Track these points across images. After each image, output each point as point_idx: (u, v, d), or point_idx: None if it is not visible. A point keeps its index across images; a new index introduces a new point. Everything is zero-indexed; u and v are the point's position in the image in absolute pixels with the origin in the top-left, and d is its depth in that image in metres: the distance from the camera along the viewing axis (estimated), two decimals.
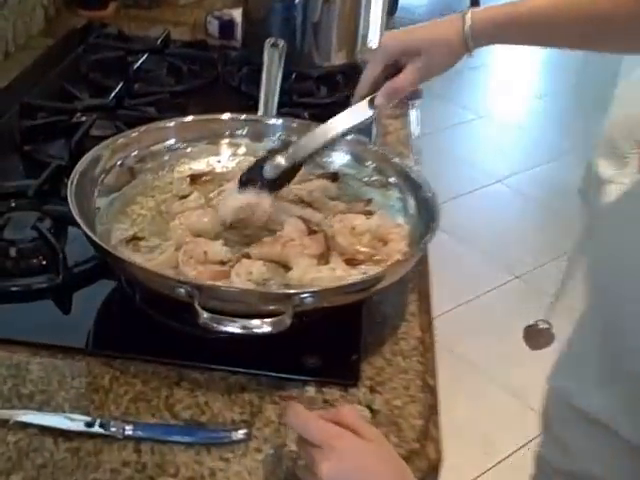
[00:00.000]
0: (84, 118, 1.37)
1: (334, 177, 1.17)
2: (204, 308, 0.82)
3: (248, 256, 0.97)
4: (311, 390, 0.90)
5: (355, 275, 0.98)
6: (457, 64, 1.07)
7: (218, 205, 1.05)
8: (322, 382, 0.91)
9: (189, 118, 1.21)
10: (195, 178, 1.16)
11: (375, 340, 0.98)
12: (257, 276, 0.94)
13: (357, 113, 1.07)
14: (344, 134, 1.07)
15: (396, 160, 1.14)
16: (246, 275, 0.93)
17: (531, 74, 5.33)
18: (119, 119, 1.36)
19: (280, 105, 1.27)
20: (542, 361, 2.76)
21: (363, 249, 1.02)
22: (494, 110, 4.65)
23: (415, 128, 1.55)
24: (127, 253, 0.95)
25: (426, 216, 1.01)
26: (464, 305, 2.98)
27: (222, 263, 0.97)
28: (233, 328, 0.81)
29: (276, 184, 1.06)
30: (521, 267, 3.22)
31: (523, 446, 2.39)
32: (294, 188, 1.14)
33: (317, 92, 1.63)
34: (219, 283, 0.90)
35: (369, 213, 1.08)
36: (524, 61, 5.22)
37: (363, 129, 1.16)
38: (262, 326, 0.81)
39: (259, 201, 1.03)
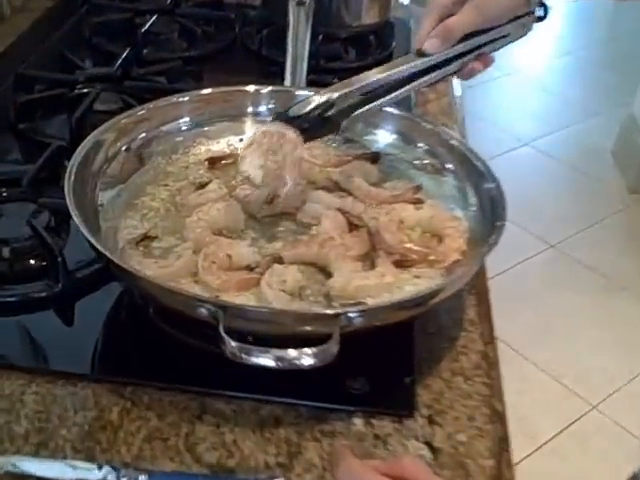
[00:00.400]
0: (87, 90, 1.20)
1: (375, 158, 1.01)
2: (230, 329, 0.67)
3: (280, 260, 0.82)
4: (358, 423, 0.75)
5: (407, 279, 0.83)
6: None
7: (240, 160, 0.89)
8: (371, 412, 0.76)
9: (206, 91, 1.05)
10: (214, 161, 1.00)
11: (430, 356, 0.83)
12: (292, 285, 0.79)
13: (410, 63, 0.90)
14: (391, 86, 0.90)
15: (454, 142, 0.97)
16: (279, 284, 0.78)
17: (559, 28, 5.09)
18: (126, 91, 1.20)
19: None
20: (578, 339, 2.62)
21: (414, 247, 0.86)
22: (520, 67, 4.44)
23: (456, 88, 1.38)
24: (136, 258, 0.80)
25: (490, 211, 0.85)
26: (497, 277, 2.82)
27: (249, 268, 0.81)
28: (267, 360, 0.65)
29: (305, 131, 0.88)
30: (555, 235, 3.05)
31: (564, 429, 2.26)
32: (329, 171, 0.98)
33: (346, 55, 1.46)
34: (248, 302, 0.75)
35: (418, 202, 0.92)
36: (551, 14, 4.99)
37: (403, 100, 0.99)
38: (303, 357, 0.65)
39: (288, 136, 0.86)
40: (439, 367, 0.82)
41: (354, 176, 0.96)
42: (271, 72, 1.31)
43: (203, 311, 0.68)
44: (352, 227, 0.88)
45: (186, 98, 1.03)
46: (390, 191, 0.95)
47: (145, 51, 1.41)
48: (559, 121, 3.85)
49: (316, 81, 1.17)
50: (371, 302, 0.76)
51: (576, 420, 2.33)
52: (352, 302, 0.77)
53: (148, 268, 0.78)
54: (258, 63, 1.41)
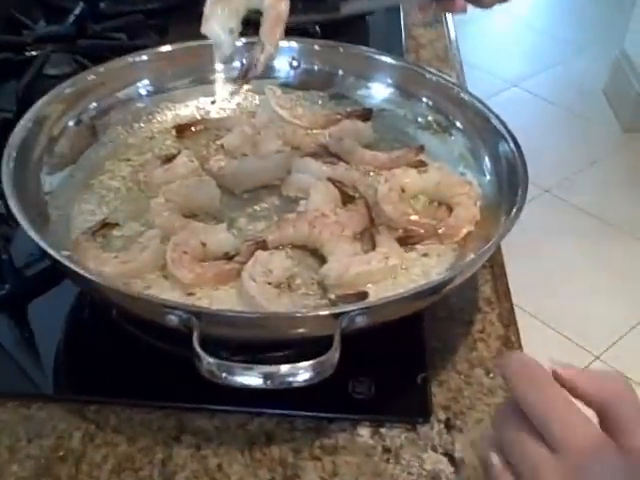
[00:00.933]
0: (36, 53, 1.06)
1: (367, 115, 0.88)
2: (207, 340, 0.55)
3: (264, 245, 0.70)
4: (365, 434, 0.64)
5: (414, 259, 0.71)
6: None
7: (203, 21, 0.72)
8: (379, 421, 0.65)
9: (167, 48, 0.90)
10: (183, 129, 0.87)
11: (443, 346, 0.72)
12: (280, 275, 0.67)
13: None
14: None
15: (463, 95, 0.83)
16: (264, 275, 0.66)
17: None
18: (80, 51, 1.06)
19: None
20: (577, 287, 2.52)
21: (420, 220, 0.74)
22: (505, 4, 4.26)
23: (451, 29, 1.25)
24: (93, 252, 0.67)
25: (507, 175, 0.73)
26: None
27: (228, 257, 0.69)
28: (253, 379, 0.54)
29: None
30: (550, 180, 2.93)
31: None
32: (316, 134, 0.86)
33: None
34: (228, 298, 0.63)
35: (422, 165, 0.80)
36: None
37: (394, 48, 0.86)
38: (298, 373, 0.53)
39: None
40: (454, 359, 0.71)
41: (345, 138, 0.83)
42: (245, 22, 1.17)
43: (173, 319, 0.56)
44: (346, 199, 0.76)
45: (144, 57, 0.89)
46: (388, 154, 0.83)
47: (102, 4, 1.25)
48: (548, 60, 3.70)
49: (297, 29, 1.02)
50: (375, 294, 0.64)
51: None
52: (352, 292, 0.65)
53: (107, 264, 0.65)
54: None
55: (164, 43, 0.95)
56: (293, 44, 0.91)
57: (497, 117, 0.78)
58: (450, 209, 0.75)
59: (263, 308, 0.63)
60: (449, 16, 1.25)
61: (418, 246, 0.72)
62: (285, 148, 0.80)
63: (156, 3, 1.29)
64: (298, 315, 0.60)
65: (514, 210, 0.66)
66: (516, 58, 3.79)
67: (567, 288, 2.52)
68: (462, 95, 0.83)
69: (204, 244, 0.68)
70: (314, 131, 0.86)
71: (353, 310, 0.56)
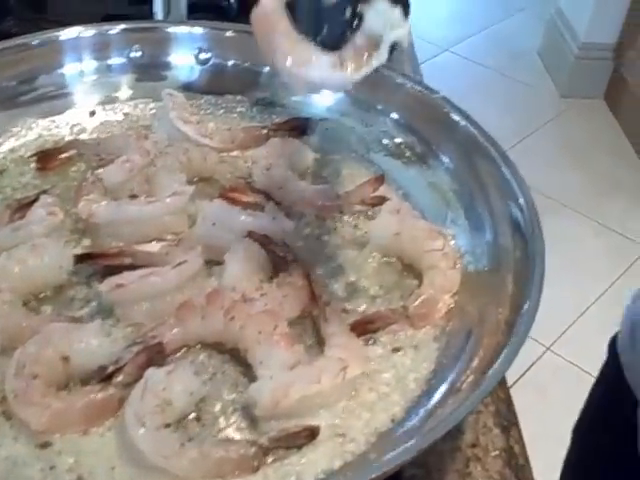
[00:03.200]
0: None
1: (303, 128, 0.65)
2: None
3: (160, 351, 0.46)
4: None
5: (381, 357, 0.49)
6: None
7: None
8: None
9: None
10: (47, 159, 0.61)
11: (425, 475, 0.50)
12: (182, 405, 0.44)
13: None
14: None
15: (453, 115, 0.59)
16: (158, 412, 0.42)
17: None
18: None
19: None
20: None
21: (378, 290, 0.52)
22: None
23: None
24: None
25: (510, 231, 0.51)
26: None
27: (103, 377, 0.45)
28: None
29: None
30: None
31: (520, 378, 2.02)
32: (235, 158, 0.62)
33: None
34: (104, 449, 0.40)
35: (381, 202, 0.57)
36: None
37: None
38: None
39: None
40: None
41: (274, 166, 0.60)
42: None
43: None
44: (279, 264, 0.53)
45: None
46: (331, 188, 0.59)
47: None
48: (478, 22, 3.52)
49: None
50: (330, 426, 0.41)
51: (532, 365, 2.10)
52: (296, 430, 0.42)
53: None
54: None
55: None
56: (198, 30, 0.66)
57: (497, 147, 0.55)
58: (419, 270, 0.53)
59: (158, 468, 0.40)
60: None
61: (381, 339, 0.50)
62: (185, 189, 0.56)
63: None
64: None
65: (525, 307, 0.44)
66: (447, 21, 3.60)
67: None
68: (451, 115, 0.58)
69: (66, 358, 0.44)
70: (232, 154, 0.62)
71: None
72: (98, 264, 0.52)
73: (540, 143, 2.88)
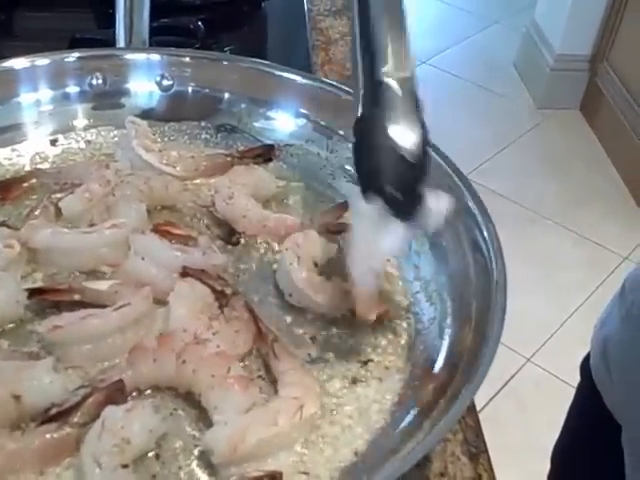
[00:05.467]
0: None
1: (267, 155, 0.64)
2: None
3: (120, 389, 0.45)
4: None
5: (341, 392, 0.48)
6: None
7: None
8: None
9: None
10: (8, 189, 0.61)
11: None
12: (141, 444, 0.43)
13: None
14: None
15: None
16: (117, 453, 0.41)
17: None
18: None
19: None
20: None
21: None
22: None
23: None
24: None
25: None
26: None
27: (54, 415, 0.44)
28: None
29: None
30: (466, 164, 2.75)
31: (500, 390, 2.02)
32: (199, 185, 0.62)
33: None
34: None
35: (342, 230, 0.57)
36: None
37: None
38: None
39: None
40: None
41: (237, 194, 0.59)
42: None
43: None
44: (221, 300, 0.52)
45: None
46: (294, 217, 0.58)
47: None
48: (455, 34, 3.53)
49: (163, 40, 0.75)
50: (290, 469, 0.41)
51: (512, 377, 2.09)
52: (257, 475, 0.42)
53: None
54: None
55: None
56: (156, 57, 0.66)
57: (470, 188, 0.55)
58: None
59: None
60: None
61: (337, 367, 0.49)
62: (126, 222, 0.55)
63: None
64: None
65: (489, 334, 0.44)
66: (423, 33, 3.61)
67: None
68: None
69: (17, 397, 0.43)
70: (195, 182, 0.62)
71: None
72: (48, 300, 0.51)
73: (517, 154, 2.90)
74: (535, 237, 2.52)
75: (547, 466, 0.94)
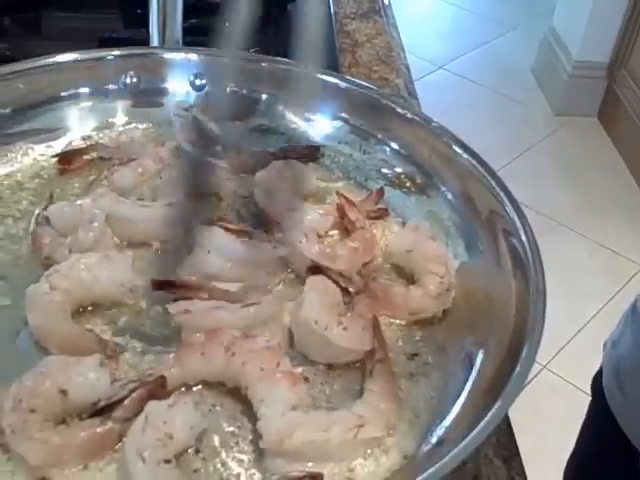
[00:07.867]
0: None
1: (311, 155, 0.64)
2: None
3: (162, 385, 0.45)
4: None
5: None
6: None
7: None
8: None
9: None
10: (69, 160, 0.62)
11: None
12: (183, 439, 0.43)
13: None
14: None
15: (456, 147, 0.59)
16: (160, 447, 0.42)
17: None
18: None
19: None
20: None
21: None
22: None
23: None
24: None
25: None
26: None
27: (98, 410, 0.44)
28: None
29: None
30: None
31: None
32: (244, 178, 0.62)
33: None
34: None
35: (384, 215, 0.58)
36: None
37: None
38: None
39: None
40: None
41: (276, 190, 0.59)
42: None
43: None
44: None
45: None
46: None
47: None
48: (472, 40, 3.52)
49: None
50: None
51: (527, 384, 2.08)
52: (298, 475, 0.42)
53: None
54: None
55: None
56: (192, 56, 0.66)
57: (506, 191, 0.54)
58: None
59: None
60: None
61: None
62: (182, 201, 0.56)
63: None
64: None
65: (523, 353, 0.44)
66: (440, 38, 3.61)
67: None
68: (453, 147, 0.58)
69: (64, 391, 0.44)
70: (239, 175, 0.62)
71: None
72: (176, 293, 0.51)
73: (534, 161, 2.88)
74: (552, 245, 2.51)
75: (561, 473, 0.93)
